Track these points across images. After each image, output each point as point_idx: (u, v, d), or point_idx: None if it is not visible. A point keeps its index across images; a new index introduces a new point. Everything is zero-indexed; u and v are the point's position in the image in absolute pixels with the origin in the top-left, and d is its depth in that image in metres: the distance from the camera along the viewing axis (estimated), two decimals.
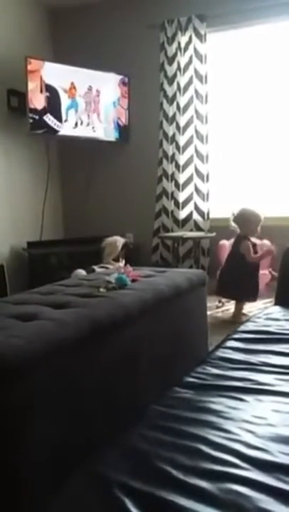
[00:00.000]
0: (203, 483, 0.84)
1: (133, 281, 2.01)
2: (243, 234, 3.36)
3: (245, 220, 3.35)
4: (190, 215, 4.27)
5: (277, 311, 2.05)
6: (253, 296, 3.33)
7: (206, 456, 0.92)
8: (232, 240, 3.53)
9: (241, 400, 1.17)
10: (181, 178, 4.25)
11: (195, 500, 0.79)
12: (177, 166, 4.25)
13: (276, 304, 2.22)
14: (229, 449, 0.94)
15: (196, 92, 4.15)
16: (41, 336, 1.38)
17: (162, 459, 0.92)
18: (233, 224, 3.42)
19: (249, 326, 1.83)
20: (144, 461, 0.92)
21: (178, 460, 0.91)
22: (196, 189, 4.23)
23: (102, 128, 4.40)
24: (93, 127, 4.35)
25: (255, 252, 3.34)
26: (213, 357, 1.52)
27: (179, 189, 4.26)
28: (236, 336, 1.71)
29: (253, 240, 3.45)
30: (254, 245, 3.35)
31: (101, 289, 1.86)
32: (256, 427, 1.03)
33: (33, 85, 3.96)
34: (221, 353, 1.55)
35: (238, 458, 0.91)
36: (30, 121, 3.97)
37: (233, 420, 1.06)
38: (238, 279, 3.28)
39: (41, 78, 4.01)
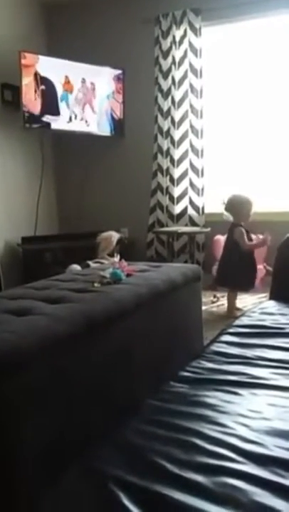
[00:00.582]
0: (199, 477, 0.83)
1: (128, 275, 2.00)
2: (236, 221, 3.35)
3: (236, 206, 3.33)
4: (185, 210, 4.26)
5: (272, 305, 2.05)
6: (249, 285, 3.33)
7: (201, 450, 0.92)
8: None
9: (236, 393, 1.17)
10: (176, 172, 4.24)
11: (190, 494, 0.79)
12: (172, 160, 4.24)
13: (271, 298, 2.22)
14: (224, 442, 0.94)
15: (191, 86, 4.14)
16: (35, 331, 1.37)
17: (158, 453, 0.92)
18: (225, 213, 3.40)
19: (244, 320, 1.83)
20: (139, 456, 0.92)
21: (173, 454, 0.91)
22: (191, 184, 4.22)
23: (96, 122, 4.38)
24: (87, 121, 4.33)
25: (250, 240, 3.33)
26: (208, 351, 1.52)
27: (173, 184, 4.25)
28: (231, 330, 1.71)
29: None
30: (248, 232, 3.34)
31: (96, 284, 1.85)
32: (251, 420, 1.03)
33: (27, 79, 3.93)
34: (216, 347, 1.55)
35: (234, 452, 0.91)
36: (26, 115, 3.94)
37: (228, 414, 1.06)
38: (235, 268, 3.28)
39: (35, 72, 3.98)
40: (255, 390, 1.19)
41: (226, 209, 3.39)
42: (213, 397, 1.16)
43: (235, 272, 3.29)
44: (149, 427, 1.03)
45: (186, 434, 0.98)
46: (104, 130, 4.42)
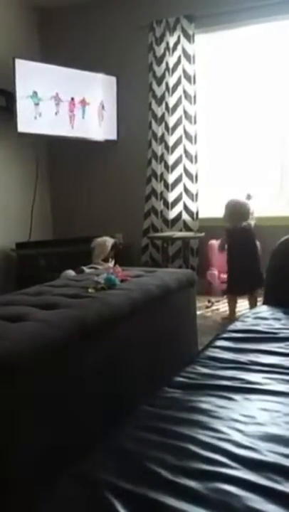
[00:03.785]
0: (193, 483, 0.83)
1: (122, 281, 2.00)
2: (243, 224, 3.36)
3: (238, 210, 3.37)
4: (179, 215, 4.27)
5: (265, 310, 2.05)
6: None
7: (195, 456, 0.92)
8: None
9: (230, 399, 1.17)
10: (170, 178, 4.25)
11: (185, 501, 0.79)
12: (166, 166, 4.25)
13: (264, 303, 2.22)
14: (218, 448, 0.94)
15: (185, 92, 4.16)
16: (29, 337, 1.37)
17: (152, 459, 0.91)
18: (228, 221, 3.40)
19: (238, 325, 1.83)
20: (133, 462, 0.91)
21: (167, 460, 0.91)
22: (185, 189, 4.23)
23: (91, 128, 4.39)
24: (82, 128, 4.33)
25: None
26: (202, 356, 1.51)
27: (168, 189, 4.26)
28: (225, 335, 1.71)
29: None
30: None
31: (90, 290, 1.85)
32: (245, 426, 1.03)
33: (20, 85, 3.94)
34: (210, 352, 1.55)
35: (227, 457, 0.90)
36: (19, 121, 3.94)
37: (222, 419, 1.06)
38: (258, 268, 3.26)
39: (29, 78, 3.99)
40: (249, 395, 1.19)
41: (227, 216, 3.39)
42: (208, 402, 1.15)
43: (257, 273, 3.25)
44: (144, 433, 1.02)
45: (181, 440, 0.98)
46: (99, 136, 4.43)
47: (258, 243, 3.39)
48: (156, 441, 0.98)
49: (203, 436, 0.98)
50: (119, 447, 0.97)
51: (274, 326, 1.76)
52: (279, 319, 1.85)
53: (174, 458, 0.91)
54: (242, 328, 1.77)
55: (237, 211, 3.37)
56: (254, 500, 0.79)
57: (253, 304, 3.35)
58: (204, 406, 1.13)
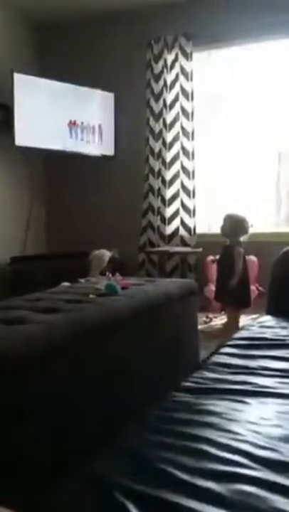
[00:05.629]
0: (213, 485, 0.77)
1: (123, 288, 1.95)
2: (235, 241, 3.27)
3: (233, 226, 3.28)
4: (176, 230, 4.24)
5: (269, 319, 2.01)
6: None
7: (212, 457, 0.86)
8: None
9: (243, 402, 1.11)
10: (168, 193, 4.23)
11: (205, 502, 0.73)
12: (163, 181, 4.24)
13: (267, 313, 2.18)
14: (237, 449, 0.88)
15: (182, 108, 4.18)
16: (29, 339, 1.31)
17: (165, 461, 0.85)
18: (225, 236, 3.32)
19: (243, 333, 1.78)
20: (145, 464, 0.85)
21: (183, 462, 0.84)
22: (183, 205, 4.21)
23: (88, 143, 4.38)
24: (79, 142, 4.33)
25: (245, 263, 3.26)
26: (209, 363, 1.46)
27: (165, 205, 4.24)
28: (231, 342, 1.66)
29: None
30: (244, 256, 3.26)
31: (91, 295, 1.79)
32: (262, 427, 0.97)
33: (19, 99, 3.94)
34: (217, 358, 1.49)
35: (248, 458, 0.85)
36: (17, 135, 3.93)
37: (238, 422, 1.00)
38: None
39: (27, 92, 3.99)
40: (263, 398, 1.14)
41: (223, 231, 3.30)
42: (220, 405, 1.10)
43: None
44: (155, 435, 0.96)
45: (195, 441, 0.91)
46: (96, 151, 4.43)
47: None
48: (169, 443, 0.92)
49: (220, 437, 0.93)
50: (131, 449, 0.91)
51: (281, 333, 1.72)
52: (285, 327, 1.81)
53: (190, 459, 0.85)
54: (248, 336, 1.73)
55: (240, 224, 3.30)
56: (280, 501, 0.73)
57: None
58: (217, 409, 1.07)
